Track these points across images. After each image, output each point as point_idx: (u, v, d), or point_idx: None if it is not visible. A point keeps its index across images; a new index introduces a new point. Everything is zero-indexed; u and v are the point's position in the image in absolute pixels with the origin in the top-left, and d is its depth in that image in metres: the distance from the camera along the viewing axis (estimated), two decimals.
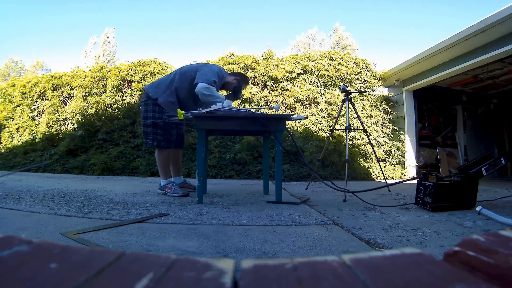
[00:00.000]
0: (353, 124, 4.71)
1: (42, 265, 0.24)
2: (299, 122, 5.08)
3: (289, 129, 4.02)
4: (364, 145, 5.09)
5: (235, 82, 2.62)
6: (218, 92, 2.49)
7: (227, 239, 1.23)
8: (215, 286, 0.22)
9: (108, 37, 20.40)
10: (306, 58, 5.67)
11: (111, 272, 0.23)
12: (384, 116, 5.46)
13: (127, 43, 39.98)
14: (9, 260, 0.24)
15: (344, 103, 2.99)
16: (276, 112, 2.74)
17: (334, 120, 5.11)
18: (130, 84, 5.77)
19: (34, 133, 6.02)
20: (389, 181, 3.79)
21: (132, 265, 0.25)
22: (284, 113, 4.79)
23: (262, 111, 3.16)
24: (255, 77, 5.42)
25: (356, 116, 3.22)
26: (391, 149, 5.28)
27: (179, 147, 2.69)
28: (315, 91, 5.30)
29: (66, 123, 5.91)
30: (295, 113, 4.98)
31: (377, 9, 35.11)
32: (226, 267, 0.25)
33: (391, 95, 5.67)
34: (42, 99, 6.34)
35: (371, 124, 5.28)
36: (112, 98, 5.67)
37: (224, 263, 0.25)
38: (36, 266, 0.23)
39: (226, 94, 2.72)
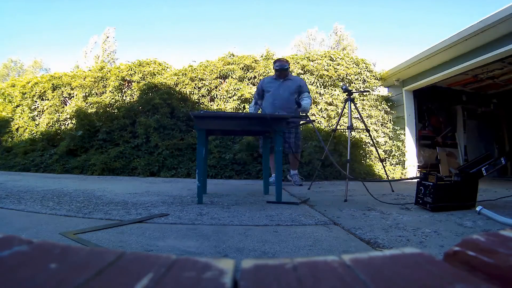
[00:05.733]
0: (353, 124, 4.71)
1: (42, 265, 0.24)
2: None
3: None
4: (365, 145, 5.09)
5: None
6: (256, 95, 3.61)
7: (227, 239, 1.23)
8: (215, 286, 0.22)
9: (108, 36, 20.36)
10: (305, 58, 5.66)
11: (111, 272, 0.23)
12: (384, 116, 5.46)
13: (126, 41, 39.87)
14: (9, 260, 0.24)
15: (347, 103, 2.99)
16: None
17: (333, 120, 5.13)
18: (130, 84, 5.77)
19: (34, 133, 6.01)
20: None
21: (132, 265, 0.25)
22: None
23: None
24: (255, 77, 5.41)
25: (358, 116, 3.21)
26: (391, 149, 5.28)
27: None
28: (315, 91, 5.30)
29: (66, 123, 5.91)
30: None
31: (377, 8, 35.08)
32: (226, 267, 0.24)
33: (391, 95, 5.67)
34: (42, 99, 6.34)
35: (371, 124, 5.28)
36: (112, 98, 5.66)
37: (224, 263, 0.25)
38: (36, 266, 0.23)
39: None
